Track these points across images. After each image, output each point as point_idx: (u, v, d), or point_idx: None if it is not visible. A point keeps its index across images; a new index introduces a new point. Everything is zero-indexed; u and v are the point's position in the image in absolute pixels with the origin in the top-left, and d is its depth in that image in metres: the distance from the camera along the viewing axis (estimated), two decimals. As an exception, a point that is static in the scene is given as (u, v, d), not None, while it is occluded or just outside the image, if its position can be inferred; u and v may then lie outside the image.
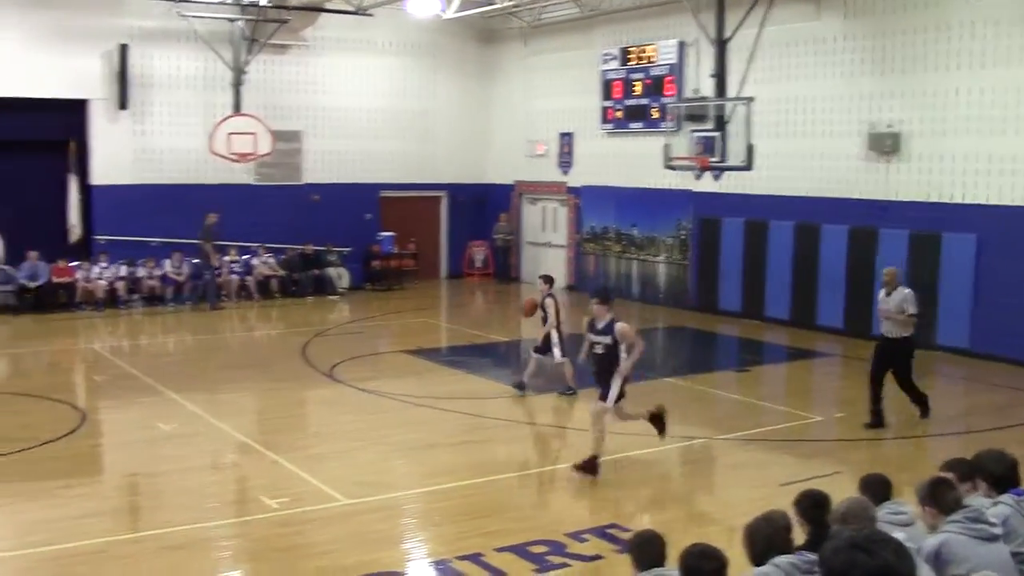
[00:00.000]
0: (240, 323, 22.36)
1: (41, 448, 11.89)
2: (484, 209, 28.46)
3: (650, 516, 9.91)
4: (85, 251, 23.54)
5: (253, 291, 24.31)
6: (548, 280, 15.04)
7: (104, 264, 23.05)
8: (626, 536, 7.99)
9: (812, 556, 5.03)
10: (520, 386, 14.75)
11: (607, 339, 10.89)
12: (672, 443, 11.86)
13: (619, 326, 10.88)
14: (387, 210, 27.14)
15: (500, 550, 8.79)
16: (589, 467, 10.73)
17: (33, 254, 22.33)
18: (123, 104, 23.60)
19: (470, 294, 27.16)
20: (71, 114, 23.47)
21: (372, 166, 26.90)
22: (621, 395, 10.93)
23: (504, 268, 28.13)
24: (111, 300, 22.85)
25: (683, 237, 23.00)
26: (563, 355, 14.42)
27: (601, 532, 9.22)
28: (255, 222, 24.42)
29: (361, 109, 26.75)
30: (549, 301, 14.56)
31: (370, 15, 24.45)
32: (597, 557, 8.73)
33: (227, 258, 24.09)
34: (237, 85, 23.97)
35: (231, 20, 23.72)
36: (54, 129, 23.55)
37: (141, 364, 17.08)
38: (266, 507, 9.95)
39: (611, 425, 11.21)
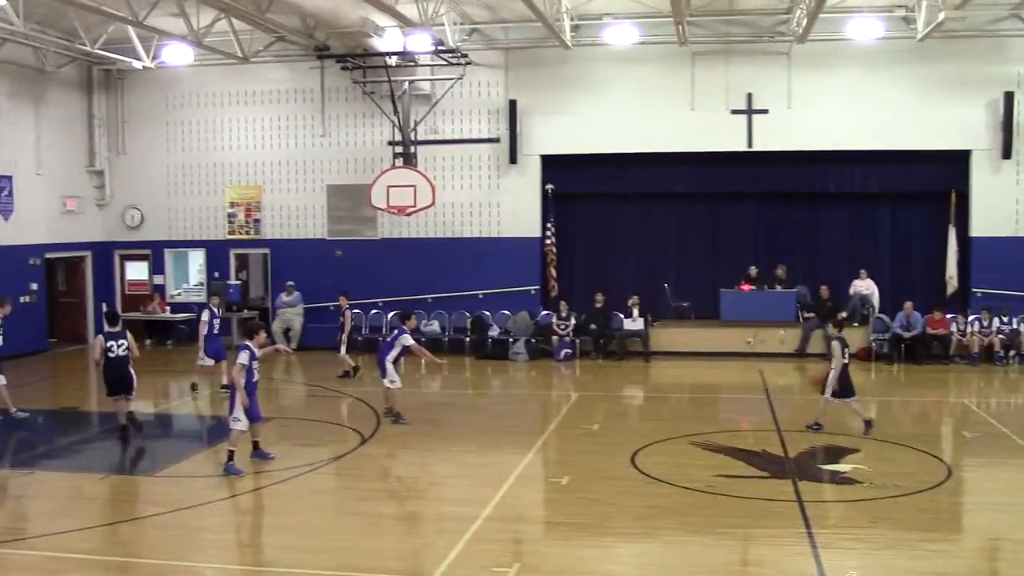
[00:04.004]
0: None
1: (906, 498, 11.95)
2: None
3: None
4: (961, 303, 23.30)
5: None
6: (838, 324, 16.40)
7: (981, 317, 22.54)
8: None
9: None
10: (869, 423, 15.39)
11: None
12: None
13: None
14: None
15: None
16: None
17: (908, 304, 22.66)
18: (1006, 153, 22.97)
19: None
20: (952, 165, 23.48)
21: None
22: None
23: None
24: (987, 355, 22.24)
25: None
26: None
27: None
28: None
29: None
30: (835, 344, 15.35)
31: None
32: None
33: None
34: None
35: None
36: (935, 180, 23.78)
37: (1014, 424, 16.28)
38: None
39: None
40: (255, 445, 13.91)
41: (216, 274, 26.81)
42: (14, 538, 10.79)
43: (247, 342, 13.67)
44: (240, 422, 13.38)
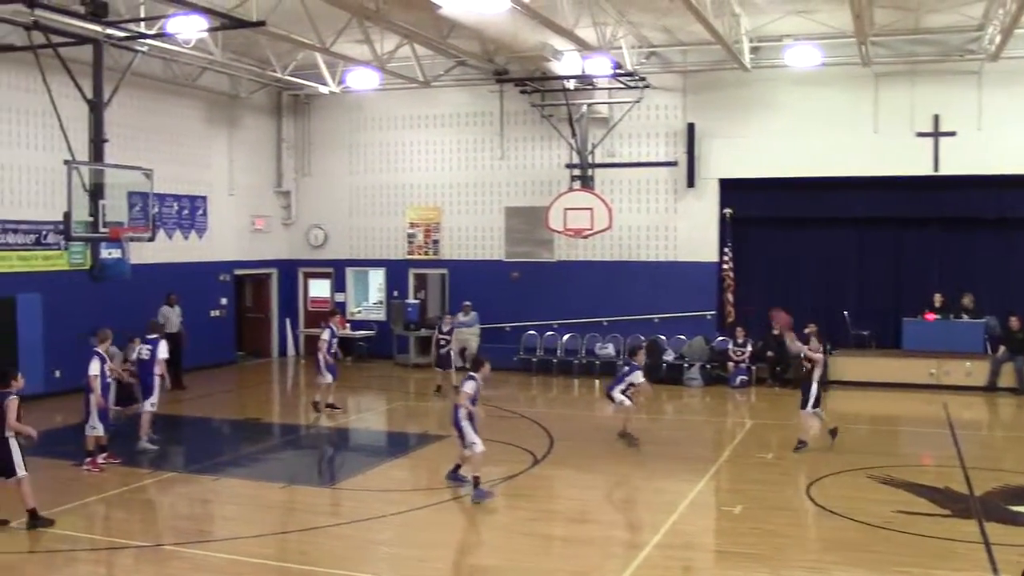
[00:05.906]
0: None
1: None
2: None
3: None
4: None
5: None
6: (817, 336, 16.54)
7: None
8: None
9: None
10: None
11: None
12: None
13: None
14: None
15: None
16: None
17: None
18: None
19: None
20: None
21: None
22: None
23: None
24: None
25: None
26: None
27: None
28: None
29: None
30: (818, 356, 16.13)
31: None
32: None
33: None
34: None
35: None
36: None
37: None
38: None
39: None
40: (455, 467, 14.02)
41: (395, 293, 27.51)
42: (200, 540, 11.31)
43: (473, 373, 13.77)
44: (477, 444, 13.35)
